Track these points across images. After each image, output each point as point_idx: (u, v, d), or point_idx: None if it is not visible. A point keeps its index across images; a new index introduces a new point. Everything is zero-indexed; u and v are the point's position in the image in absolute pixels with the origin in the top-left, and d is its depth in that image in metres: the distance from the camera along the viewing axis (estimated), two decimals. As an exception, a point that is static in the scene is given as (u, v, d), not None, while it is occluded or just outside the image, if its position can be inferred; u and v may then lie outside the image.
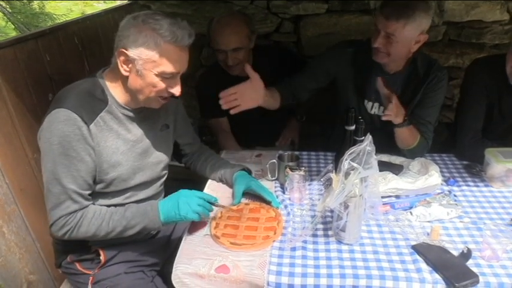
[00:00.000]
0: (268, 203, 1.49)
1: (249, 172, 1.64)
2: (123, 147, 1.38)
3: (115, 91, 1.36)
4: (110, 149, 1.35)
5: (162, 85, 1.30)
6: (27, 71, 1.69)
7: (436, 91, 1.78)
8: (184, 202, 1.32)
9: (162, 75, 1.29)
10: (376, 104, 1.89)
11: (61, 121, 1.24)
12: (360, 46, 1.85)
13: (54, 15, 6.00)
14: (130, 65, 1.28)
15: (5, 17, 5.72)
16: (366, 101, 1.90)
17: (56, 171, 1.26)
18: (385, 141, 1.77)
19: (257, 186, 1.52)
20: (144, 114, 1.44)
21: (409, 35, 1.63)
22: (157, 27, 1.24)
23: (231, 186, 1.61)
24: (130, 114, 1.40)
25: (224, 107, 1.57)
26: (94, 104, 1.31)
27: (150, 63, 1.26)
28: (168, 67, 1.27)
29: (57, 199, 1.27)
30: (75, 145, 1.25)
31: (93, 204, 1.36)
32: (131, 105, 1.39)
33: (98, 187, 1.37)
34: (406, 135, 1.73)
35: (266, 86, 1.71)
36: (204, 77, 2.25)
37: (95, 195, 1.38)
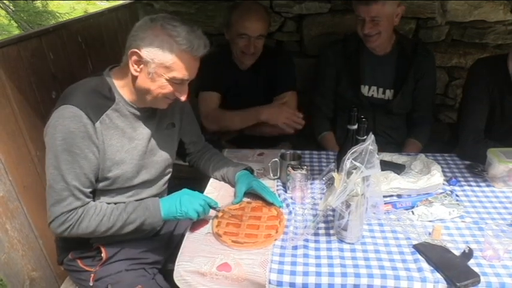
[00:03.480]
0: (269, 203, 1.49)
1: (252, 171, 1.64)
2: (128, 145, 1.39)
3: (122, 90, 1.37)
4: (115, 147, 1.36)
5: (170, 89, 1.32)
6: (31, 69, 1.70)
7: (429, 72, 2.03)
8: (187, 199, 1.35)
9: (173, 81, 1.31)
10: (374, 88, 2.05)
11: (67, 117, 1.25)
12: (347, 37, 2.08)
13: (57, 14, 6.01)
14: (141, 66, 1.29)
15: (8, 15, 5.73)
16: (362, 87, 2.05)
17: (59, 167, 1.26)
18: (387, 121, 2.08)
19: (259, 187, 1.52)
20: (151, 112, 1.45)
21: (390, 10, 1.84)
22: (174, 33, 1.25)
23: (233, 185, 1.61)
24: (137, 112, 1.40)
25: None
26: (101, 102, 1.32)
27: (163, 68, 1.28)
28: (179, 74, 1.30)
29: (59, 195, 1.28)
30: (80, 142, 1.26)
31: (93, 201, 1.37)
32: (138, 104, 1.39)
33: (101, 185, 1.38)
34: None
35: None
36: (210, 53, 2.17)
37: (97, 193, 1.39)
